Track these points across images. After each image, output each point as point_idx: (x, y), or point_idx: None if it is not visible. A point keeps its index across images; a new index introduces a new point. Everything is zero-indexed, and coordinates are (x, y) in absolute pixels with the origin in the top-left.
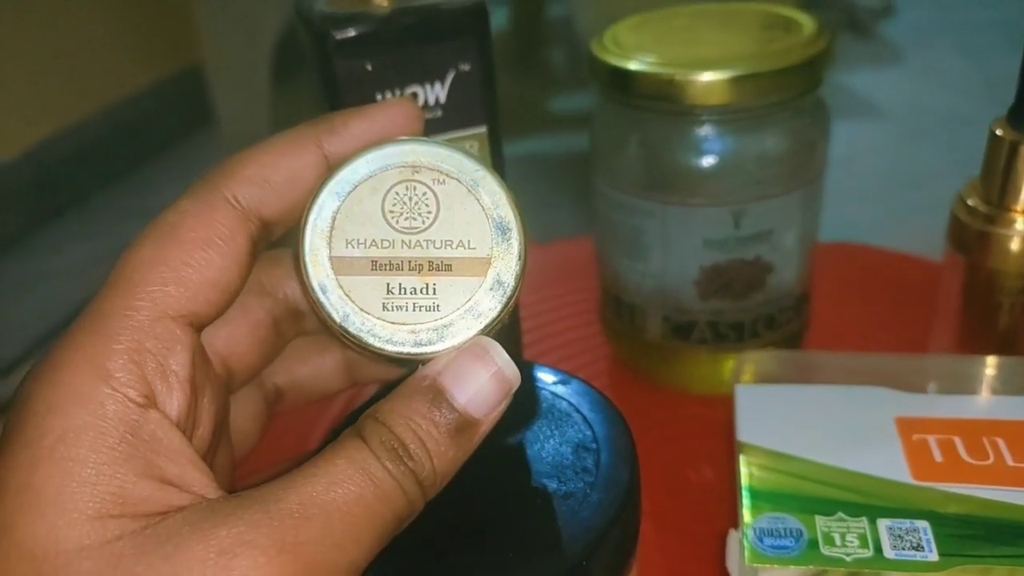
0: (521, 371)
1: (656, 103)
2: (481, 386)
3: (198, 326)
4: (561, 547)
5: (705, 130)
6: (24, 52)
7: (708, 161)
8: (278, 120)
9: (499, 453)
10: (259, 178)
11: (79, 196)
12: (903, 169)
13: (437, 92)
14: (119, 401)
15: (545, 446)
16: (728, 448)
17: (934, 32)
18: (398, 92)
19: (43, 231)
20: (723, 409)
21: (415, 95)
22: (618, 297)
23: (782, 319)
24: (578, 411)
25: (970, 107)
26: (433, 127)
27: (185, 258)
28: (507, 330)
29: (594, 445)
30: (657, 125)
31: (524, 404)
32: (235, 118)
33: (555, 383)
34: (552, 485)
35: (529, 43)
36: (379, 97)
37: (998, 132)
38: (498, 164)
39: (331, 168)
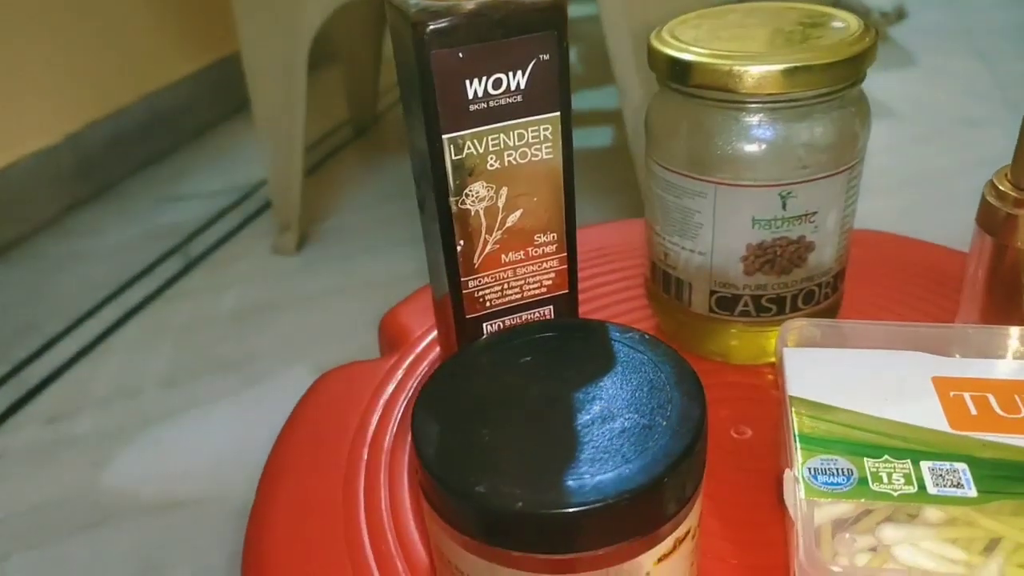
0: (597, 327)
1: (712, 92)
2: None
3: None
4: (644, 467)
5: (757, 117)
6: (67, 40)
7: (759, 146)
8: (311, 111)
9: (583, 395)
10: None
11: (117, 180)
12: (916, 168)
13: (519, 79)
14: None
15: (624, 388)
16: (771, 409)
17: (946, 35)
18: (485, 79)
19: (82, 214)
20: (763, 377)
21: (498, 81)
22: (666, 272)
23: (820, 295)
24: (650, 360)
25: (981, 109)
26: (513, 111)
27: None
28: (567, 302)
29: (667, 386)
30: (713, 112)
31: (601, 354)
32: (270, 108)
33: (626, 336)
34: (634, 418)
35: None
36: (467, 83)
37: None
38: (568, 147)
39: None
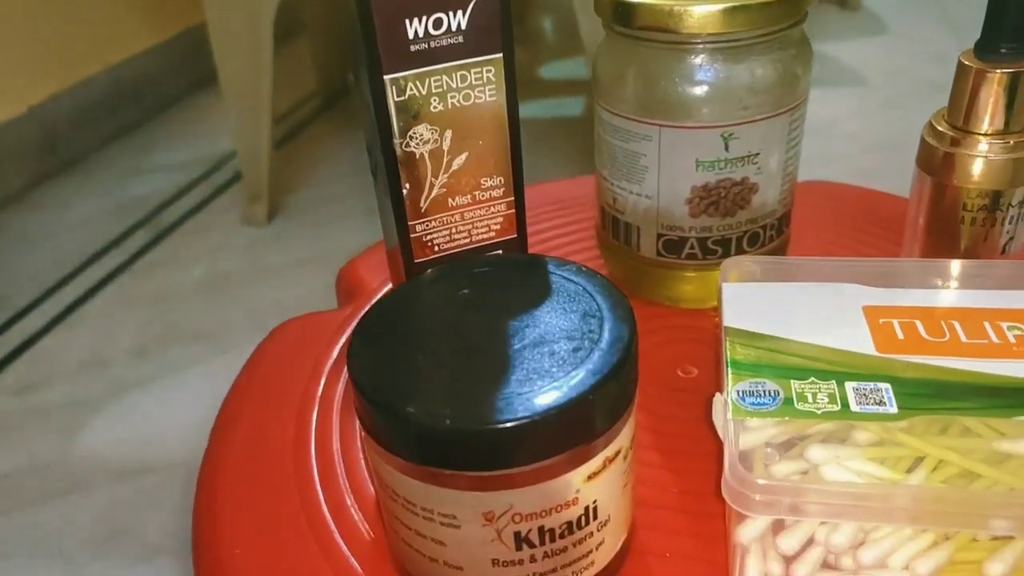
0: (535, 260)
1: (655, 33)
2: None
3: None
4: (572, 385)
5: (699, 59)
6: (31, 11)
7: (701, 88)
8: (281, 83)
9: (518, 323)
10: None
11: (84, 153)
12: (884, 133)
13: (459, 19)
14: None
15: (556, 316)
16: (718, 349)
17: (916, 4)
18: (425, 18)
19: (49, 187)
20: (711, 320)
21: (439, 21)
22: (615, 217)
23: (765, 237)
24: (584, 290)
25: (949, 75)
26: (454, 52)
27: None
28: (516, 247)
29: (598, 313)
30: (656, 55)
31: (538, 286)
32: (236, 78)
33: (563, 269)
34: (565, 343)
35: (520, 11)
36: (407, 22)
37: (965, 62)
38: (512, 91)
39: None
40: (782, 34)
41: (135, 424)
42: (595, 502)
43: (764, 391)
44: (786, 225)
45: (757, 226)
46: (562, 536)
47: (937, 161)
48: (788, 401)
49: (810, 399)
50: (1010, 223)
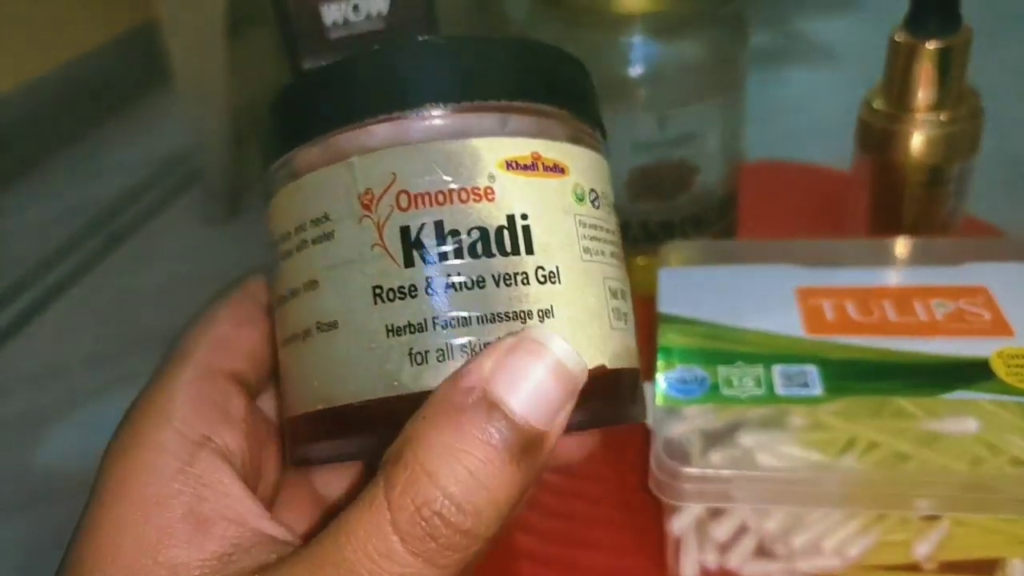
0: None
1: (586, 15)
2: (540, 388)
3: (248, 387)
4: None
5: (630, 39)
6: None
7: (634, 69)
8: (234, 78)
9: None
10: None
11: (36, 155)
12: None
13: (379, 4)
14: (178, 441)
15: None
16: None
17: None
18: (343, 4)
19: (1, 191)
20: (652, 307)
21: (357, 7)
22: None
23: (709, 220)
24: None
25: None
26: (375, 38)
27: (227, 332)
28: None
29: None
30: (587, 36)
31: None
32: (190, 75)
33: None
34: None
35: None
36: (323, 8)
37: (897, 38)
38: None
39: None
40: (714, 13)
41: (96, 434)
42: (525, 217)
43: (692, 377)
44: (732, 208)
45: (699, 208)
46: (474, 253)
47: (874, 139)
48: (714, 387)
49: (736, 384)
50: (950, 198)
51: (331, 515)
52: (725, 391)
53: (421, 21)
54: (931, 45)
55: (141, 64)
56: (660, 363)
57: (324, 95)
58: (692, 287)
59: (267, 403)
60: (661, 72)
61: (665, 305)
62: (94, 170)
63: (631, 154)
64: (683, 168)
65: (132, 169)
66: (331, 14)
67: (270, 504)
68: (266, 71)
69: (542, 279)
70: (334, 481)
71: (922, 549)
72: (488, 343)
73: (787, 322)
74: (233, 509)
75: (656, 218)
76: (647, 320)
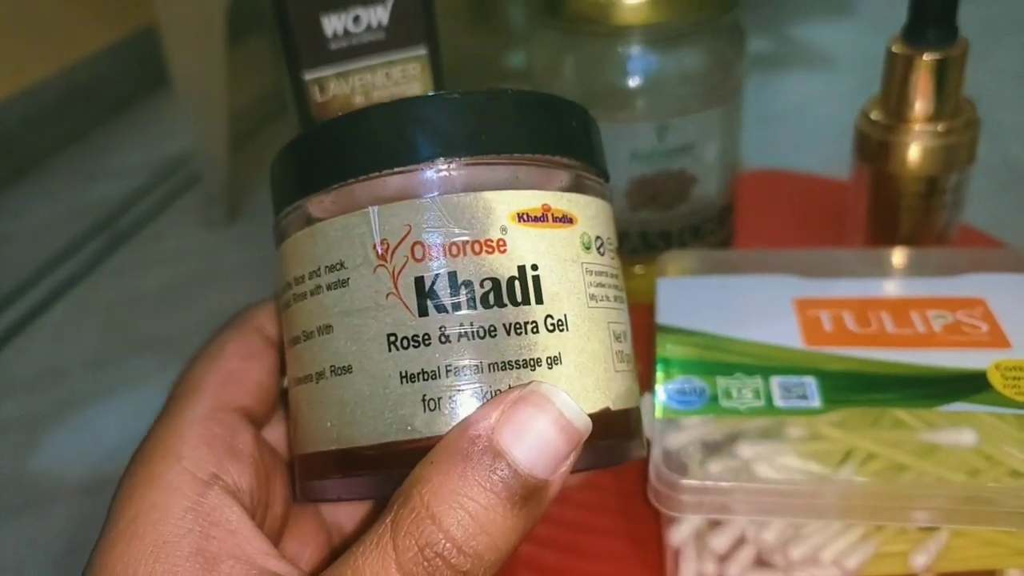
0: None
1: (586, 25)
2: (543, 439)
3: (255, 420)
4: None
5: (630, 50)
6: None
7: (633, 79)
8: (233, 81)
9: None
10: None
11: (38, 158)
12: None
13: (380, 15)
14: (187, 481)
15: None
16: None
17: None
18: (343, 15)
19: (2, 194)
20: (650, 315)
21: (358, 18)
22: None
23: (707, 229)
24: None
25: None
26: (376, 48)
27: (233, 366)
28: None
29: None
30: (587, 46)
31: None
32: (190, 79)
33: None
34: None
35: None
36: (324, 20)
37: (894, 49)
38: (439, 84)
39: None
40: (713, 23)
41: (94, 437)
42: (536, 268)
43: (691, 389)
44: (729, 217)
45: (698, 218)
46: (486, 303)
47: (872, 149)
48: (714, 398)
49: (735, 395)
50: (947, 208)
51: (338, 549)
52: (724, 403)
53: (421, 33)
54: (928, 56)
55: (142, 68)
56: (659, 374)
57: (341, 145)
58: (690, 298)
59: (272, 432)
60: (660, 82)
61: (664, 316)
62: (95, 173)
63: (630, 164)
64: (682, 178)
65: (133, 172)
66: (332, 25)
67: (278, 535)
68: (265, 77)
69: (551, 327)
70: (341, 510)
71: (920, 560)
72: (499, 390)
73: (785, 333)
74: (240, 548)
75: (655, 228)
76: (645, 330)
